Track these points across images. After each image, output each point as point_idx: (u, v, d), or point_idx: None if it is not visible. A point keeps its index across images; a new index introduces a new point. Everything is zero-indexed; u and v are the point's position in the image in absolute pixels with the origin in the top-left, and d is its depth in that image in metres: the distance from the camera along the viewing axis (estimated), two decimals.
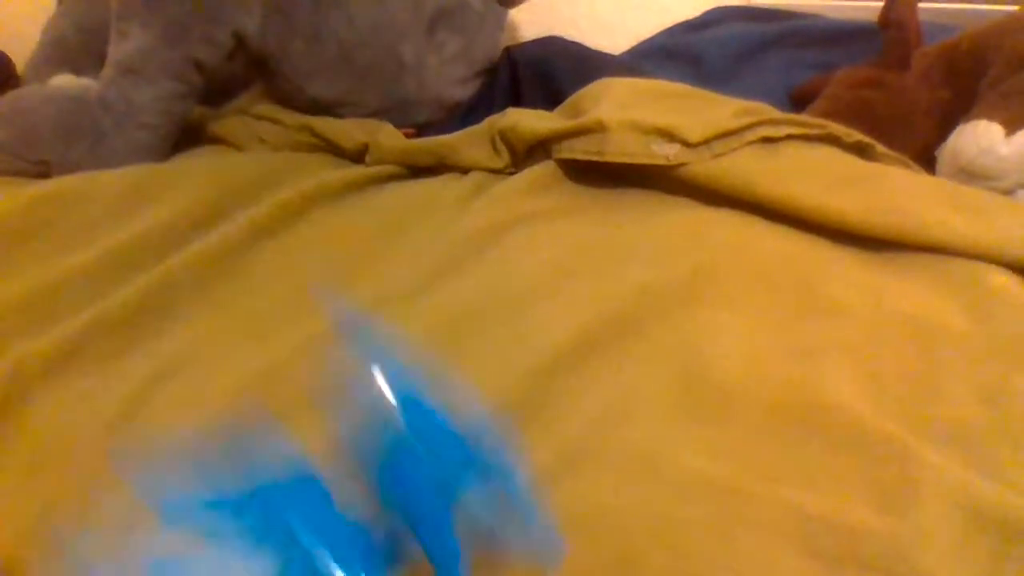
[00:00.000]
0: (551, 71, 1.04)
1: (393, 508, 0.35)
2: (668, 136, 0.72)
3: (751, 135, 0.72)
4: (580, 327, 0.58)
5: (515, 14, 1.24)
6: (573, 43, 1.10)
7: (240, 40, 0.91)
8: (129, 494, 0.31)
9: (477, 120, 0.87)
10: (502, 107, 0.87)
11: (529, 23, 1.35)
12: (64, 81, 1.05)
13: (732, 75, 1.14)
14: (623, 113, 0.75)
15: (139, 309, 0.66)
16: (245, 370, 0.58)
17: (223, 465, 0.33)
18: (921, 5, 1.05)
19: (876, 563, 0.42)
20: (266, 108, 0.97)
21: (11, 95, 0.97)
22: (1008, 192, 0.79)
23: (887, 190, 0.69)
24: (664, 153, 0.72)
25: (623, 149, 0.73)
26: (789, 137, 0.73)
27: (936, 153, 0.85)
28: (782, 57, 1.16)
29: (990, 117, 0.80)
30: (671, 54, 1.21)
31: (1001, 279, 0.62)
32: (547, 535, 0.34)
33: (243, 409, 0.52)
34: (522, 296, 0.63)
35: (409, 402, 0.35)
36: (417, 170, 0.87)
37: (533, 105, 0.88)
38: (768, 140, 0.73)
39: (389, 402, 0.34)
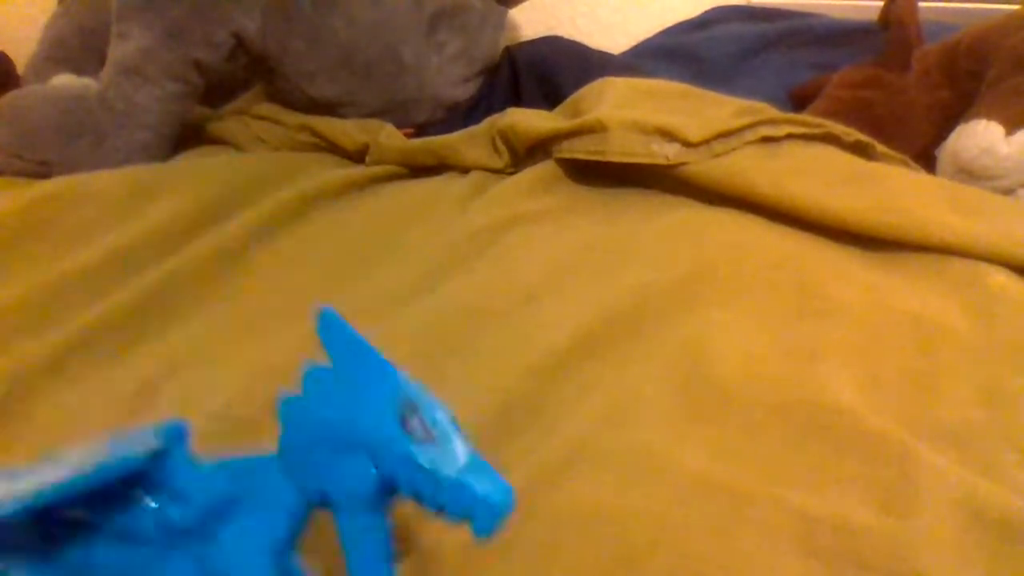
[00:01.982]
0: (551, 71, 1.04)
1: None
2: (668, 136, 0.72)
3: (751, 135, 0.72)
4: (580, 327, 0.58)
5: (515, 14, 1.24)
6: (573, 42, 1.10)
7: (240, 40, 0.91)
8: None
9: (477, 120, 0.87)
10: (502, 107, 0.87)
11: (529, 23, 1.35)
12: (64, 81, 1.05)
13: (732, 75, 1.14)
14: (623, 113, 0.75)
15: (139, 309, 0.66)
16: (245, 369, 0.58)
17: None
18: (921, 5, 1.05)
19: (876, 563, 0.42)
20: (266, 108, 0.97)
21: (11, 95, 0.97)
22: (1008, 191, 0.79)
23: (887, 190, 0.69)
24: (664, 153, 0.72)
25: (623, 149, 0.73)
26: (789, 137, 0.73)
27: (936, 153, 0.85)
28: (782, 57, 1.16)
29: (990, 117, 0.80)
30: (671, 54, 1.21)
31: (1001, 279, 0.62)
32: (492, 484, 0.30)
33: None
34: (522, 295, 0.63)
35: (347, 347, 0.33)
36: (417, 170, 0.87)
37: (533, 105, 0.88)
38: (768, 140, 0.73)
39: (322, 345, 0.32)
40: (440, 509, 0.30)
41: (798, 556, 0.42)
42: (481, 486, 0.30)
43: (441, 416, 0.32)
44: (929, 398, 0.52)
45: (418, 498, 0.31)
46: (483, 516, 0.30)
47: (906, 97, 0.94)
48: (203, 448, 0.35)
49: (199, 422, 0.54)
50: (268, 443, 0.33)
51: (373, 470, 0.31)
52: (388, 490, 0.31)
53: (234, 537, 0.33)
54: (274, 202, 0.77)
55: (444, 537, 0.44)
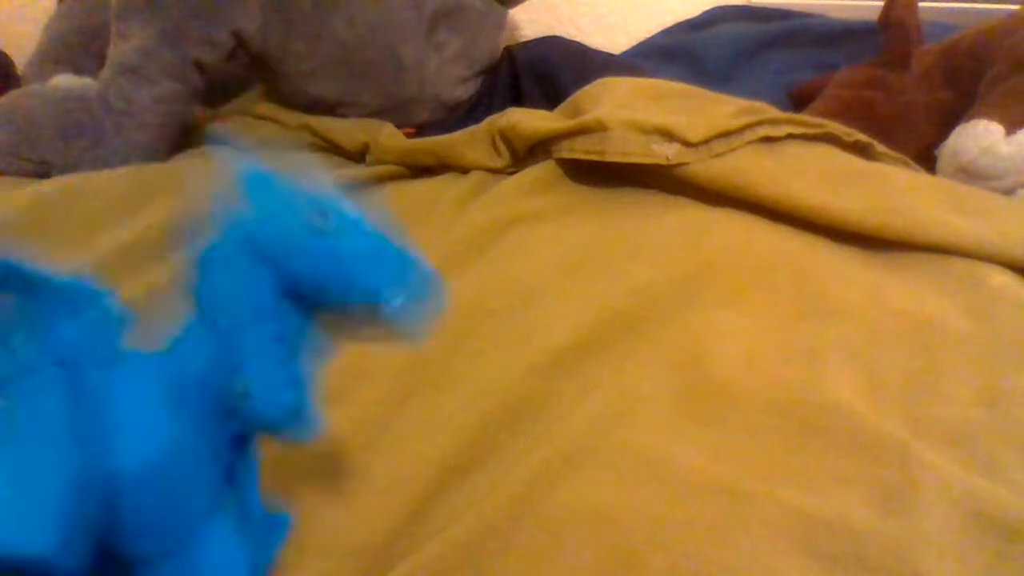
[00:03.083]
0: (551, 70, 1.04)
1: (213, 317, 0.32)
2: (668, 136, 0.72)
3: (751, 134, 0.72)
4: (580, 326, 0.58)
5: (515, 14, 1.24)
6: (573, 42, 1.10)
7: (240, 40, 0.91)
8: None
9: (477, 120, 0.87)
10: (502, 107, 0.87)
11: (529, 23, 1.35)
12: (64, 81, 1.05)
13: (732, 75, 1.14)
14: (623, 113, 0.75)
15: (138, 309, 0.66)
16: None
17: None
18: (921, 5, 1.05)
19: (876, 564, 0.42)
20: (266, 108, 0.97)
21: (11, 95, 0.97)
22: (1008, 191, 0.79)
23: (887, 189, 0.69)
24: (664, 153, 0.72)
25: (623, 149, 0.73)
26: (789, 136, 0.73)
27: (936, 153, 0.85)
28: (782, 57, 1.16)
29: (990, 117, 0.80)
30: (671, 54, 1.21)
31: (1001, 279, 0.62)
32: (421, 279, 0.30)
33: None
34: (522, 295, 0.63)
35: (255, 181, 0.32)
36: (417, 170, 0.87)
37: (533, 104, 0.88)
38: (768, 140, 0.73)
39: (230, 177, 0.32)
40: (351, 290, 0.30)
41: (798, 556, 0.42)
42: (387, 249, 0.30)
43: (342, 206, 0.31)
44: (929, 398, 0.52)
45: (327, 285, 0.30)
46: (391, 276, 0.30)
47: (906, 97, 0.94)
48: None
49: None
50: None
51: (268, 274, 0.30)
52: (293, 294, 0.31)
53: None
54: None
55: (443, 537, 0.44)
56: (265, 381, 0.31)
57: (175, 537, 0.30)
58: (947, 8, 1.19)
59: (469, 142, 0.84)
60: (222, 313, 0.32)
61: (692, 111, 0.76)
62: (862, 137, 0.76)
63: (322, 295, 0.31)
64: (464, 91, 1.04)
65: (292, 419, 0.31)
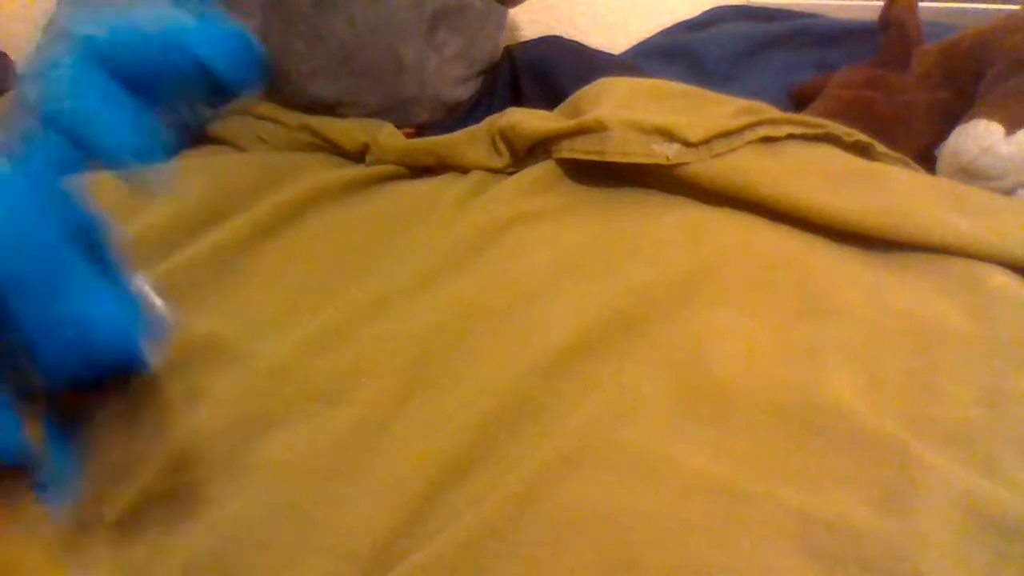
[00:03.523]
0: (551, 70, 1.04)
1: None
2: (668, 136, 0.72)
3: (751, 135, 0.72)
4: (580, 326, 0.58)
5: (515, 14, 1.24)
6: (573, 42, 1.10)
7: None
8: None
9: (477, 120, 0.87)
10: (502, 107, 0.87)
11: (529, 23, 1.35)
12: None
13: (732, 75, 1.14)
14: (623, 113, 0.75)
15: None
16: (244, 371, 0.58)
17: None
18: (921, 5, 1.05)
19: (876, 563, 0.42)
20: (266, 108, 0.97)
21: (11, 95, 0.97)
22: (1008, 191, 0.79)
23: (887, 189, 0.69)
24: (664, 153, 0.72)
25: (623, 149, 0.73)
26: (790, 137, 0.73)
27: (936, 153, 0.85)
28: (782, 57, 1.16)
29: (990, 116, 0.80)
30: (671, 54, 1.21)
31: (1001, 279, 0.62)
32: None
33: None
34: (522, 295, 0.63)
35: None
36: (417, 170, 0.87)
37: (533, 104, 0.88)
38: (768, 140, 0.73)
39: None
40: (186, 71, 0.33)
41: (798, 556, 0.42)
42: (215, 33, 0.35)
43: None
44: (929, 398, 0.52)
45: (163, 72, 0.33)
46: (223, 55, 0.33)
47: (906, 97, 0.94)
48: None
49: (200, 419, 0.54)
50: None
51: None
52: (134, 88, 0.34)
53: None
54: (274, 203, 0.77)
55: (443, 537, 0.44)
56: (108, 122, 0.34)
57: (49, 287, 0.32)
58: (947, 8, 1.19)
59: (469, 142, 0.84)
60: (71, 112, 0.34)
61: (692, 111, 0.76)
62: (862, 137, 0.76)
63: (160, 84, 0.34)
64: (464, 91, 1.04)
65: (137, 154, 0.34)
